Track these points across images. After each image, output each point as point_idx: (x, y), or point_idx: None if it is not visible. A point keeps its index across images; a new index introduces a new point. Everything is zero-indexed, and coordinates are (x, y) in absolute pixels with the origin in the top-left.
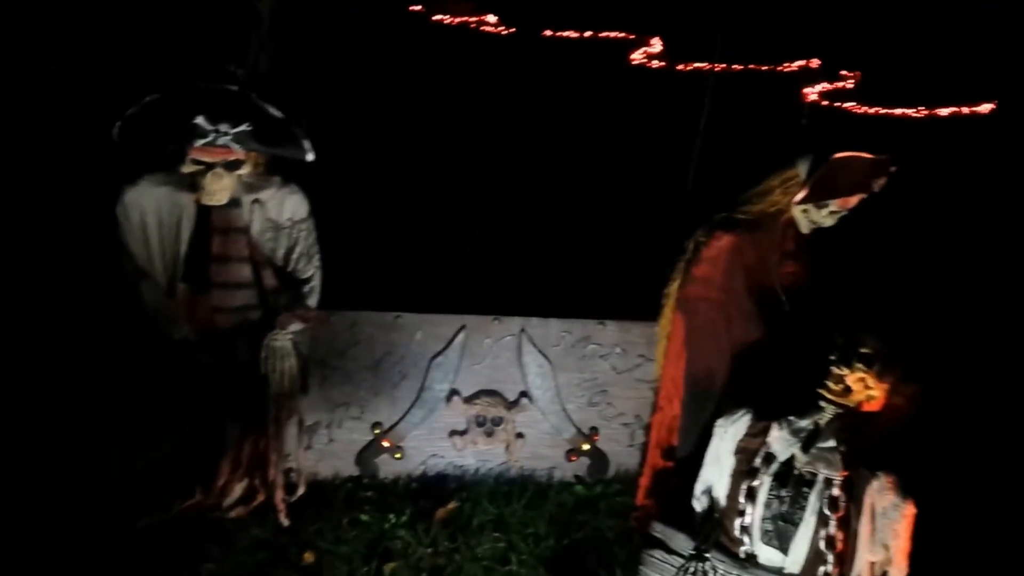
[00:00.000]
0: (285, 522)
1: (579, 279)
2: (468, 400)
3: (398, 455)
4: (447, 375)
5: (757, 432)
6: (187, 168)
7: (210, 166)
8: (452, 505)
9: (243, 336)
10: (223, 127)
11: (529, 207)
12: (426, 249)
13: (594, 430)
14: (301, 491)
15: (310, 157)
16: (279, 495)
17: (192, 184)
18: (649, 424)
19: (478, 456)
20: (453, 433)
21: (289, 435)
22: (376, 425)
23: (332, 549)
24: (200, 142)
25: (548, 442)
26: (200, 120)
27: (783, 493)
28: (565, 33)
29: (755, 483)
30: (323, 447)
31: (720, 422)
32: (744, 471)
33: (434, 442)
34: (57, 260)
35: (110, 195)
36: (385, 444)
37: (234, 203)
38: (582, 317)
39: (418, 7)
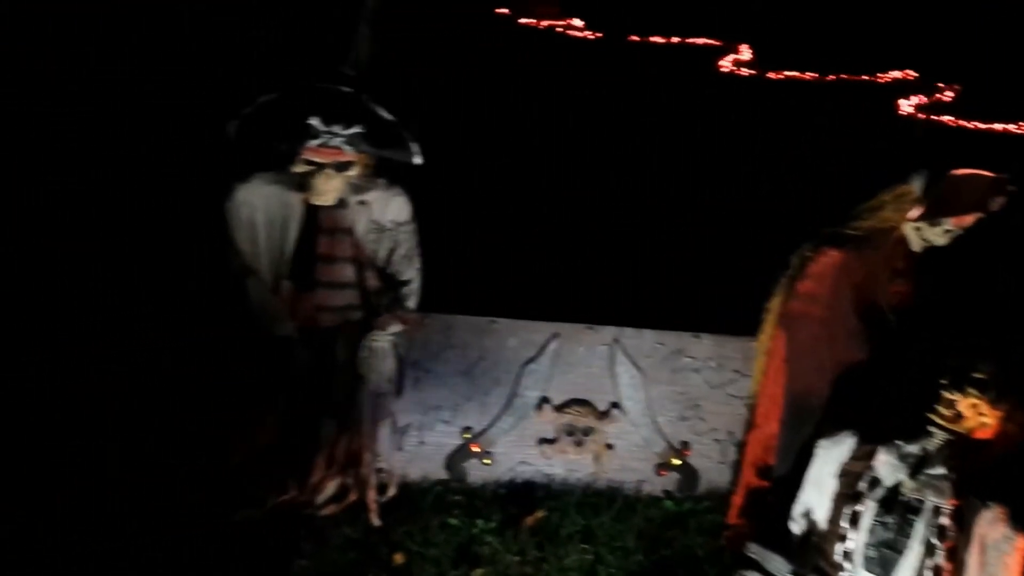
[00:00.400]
0: (376, 522)
1: (674, 290)
2: (559, 408)
3: (487, 460)
4: (539, 382)
5: (862, 455)
6: (298, 168)
7: (321, 167)
8: (540, 514)
9: (343, 335)
10: (336, 128)
11: (622, 215)
12: (521, 254)
13: (685, 445)
14: (392, 492)
15: (418, 161)
16: (371, 495)
17: (300, 184)
18: (743, 441)
19: (567, 465)
20: (542, 441)
21: (382, 436)
22: (466, 429)
23: (421, 551)
24: (313, 143)
25: (638, 455)
26: (314, 121)
27: (888, 520)
28: (652, 39)
29: (859, 508)
30: (413, 449)
31: (822, 443)
32: (847, 495)
33: (523, 449)
34: (163, 253)
35: (220, 191)
36: (475, 449)
37: (341, 204)
38: (676, 329)
39: (504, 10)
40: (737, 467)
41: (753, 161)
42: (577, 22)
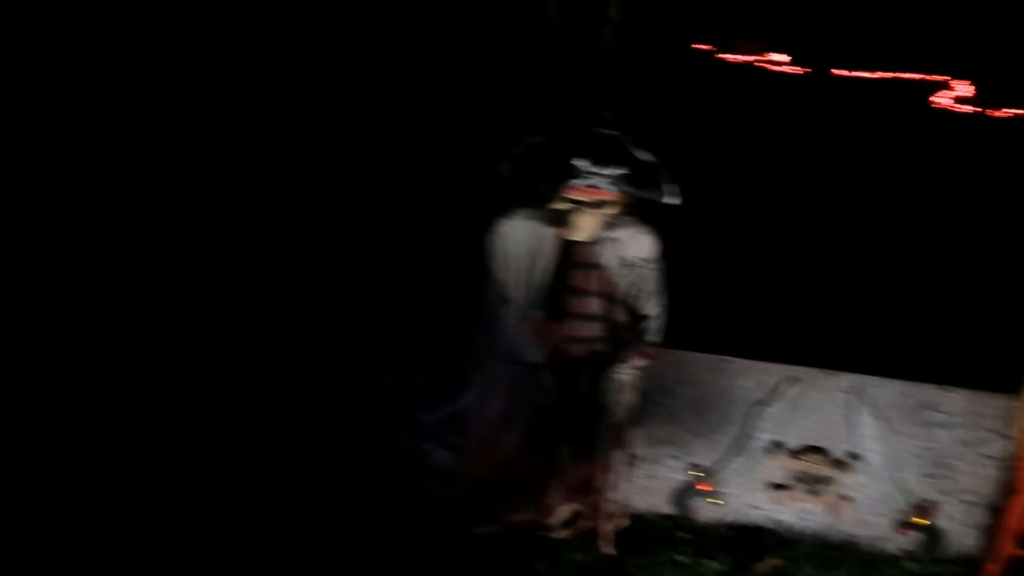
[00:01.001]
0: (610, 551)
1: (922, 338)
2: (793, 454)
3: (715, 500)
4: (772, 425)
5: None
6: (558, 205)
7: (581, 205)
8: (776, 562)
9: (589, 366)
10: (600, 169)
11: (855, 257)
12: (757, 294)
13: (930, 504)
14: (623, 522)
15: (676, 201)
16: (604, 523)
17: (556, 219)
18: (1000, 507)
19: (799, 513)
20: (774, 486)
21: (617, 466)
22: (694, 466)
23: None
24: (578, 182)
25: (877, 509)
26: (580, 162)
27: None
28: (859, 73)
29: None
30: (642, 482)
31: None
32: None
33: (753, 492)
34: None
35: (484, 226)
36: (702, 487)
37: (594, 240)
38: (922, 380)
39: (705, 45)
40: (992, 534)
41: (989, 201)
42: (779, 56)
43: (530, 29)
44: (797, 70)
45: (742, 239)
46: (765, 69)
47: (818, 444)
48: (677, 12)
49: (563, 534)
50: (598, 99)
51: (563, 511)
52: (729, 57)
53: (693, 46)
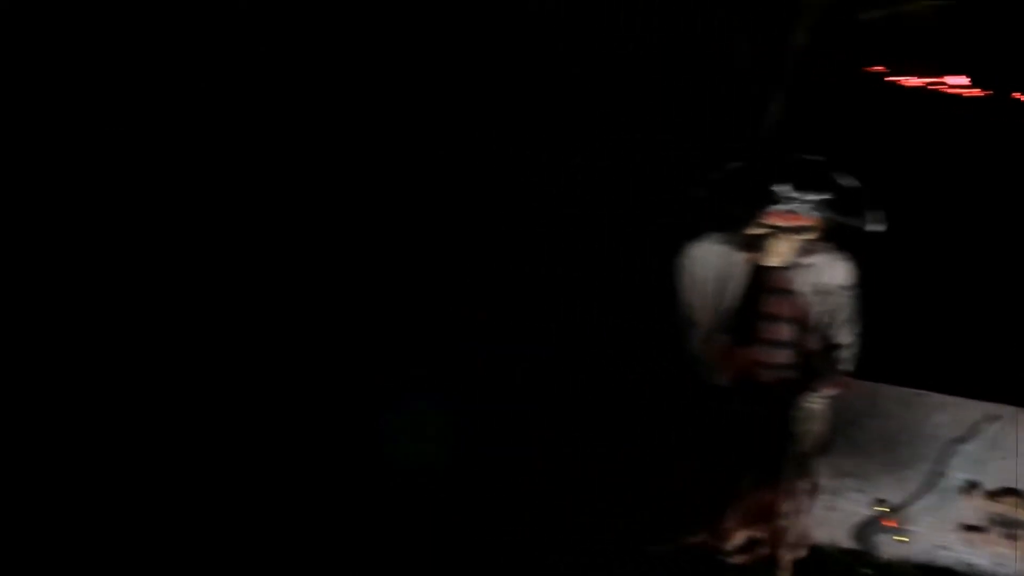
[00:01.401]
0: None
1: None
2: (990, 496)
3: (902, 538)
4: (968, 465)
5: None
6: (754, 230)
7: (779, 230)
8: None
9: (777, 393)
10: (802, 195)
11: None
12: (956, 326)
13: None
14: (802, 553)
15: (882, 228)
16: (783, 552)
17: (748, 244)
18: None
19: (994, 559)
20: (967, 528)
21: (800, 495)
22: (880, 502)
23: None
24: (777, 207)
25: None
26: (780, 187)
27: None
28: None
29: None
30: (822, 513)
31: None
32: None
33: (944, 533)
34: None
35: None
36: (888, 523)
37: (788, 266)
38: None
39: (877, 67)
40: None
41: None
42: (955, 79)
43: (718, 52)
44: (976, 92)
45: (939, 268)
46: (940, 92)
47: (1017, 487)
48: (849, 34)
49: (739, 560)
50: (783, 124)
51: (740, 536)
52: (902, 80)
53: (865, 69)
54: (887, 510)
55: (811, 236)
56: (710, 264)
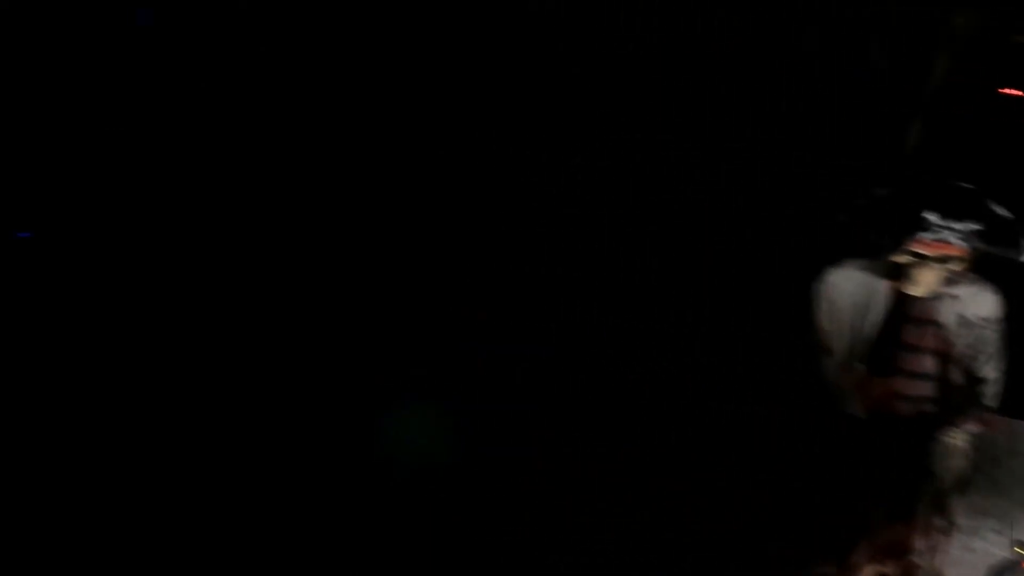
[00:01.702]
0: None
1: None
2: None
3: None
4: None
5: None
6: (898, 258)
7: (925, 259)
8: None
9: (915, 426)
10: (953, 224)
11: None
12: None
13: None
14: None
15: None
16: None
17: (890, 272)
18: None
19: None
20: None
21: (935, 533)
22: (1020, 544)
23: None
24: (925, 235)
25: None
26: (930, 215)
27: None
28: None
29: None
30: (958, 553)
31: None
32: None
33: None
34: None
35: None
36: None
37: (932, 296)
38: None
39: (1013, 90)
40: None
41: None
42: None
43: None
44: None
45: None
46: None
47: None
48: (984, 55)
49: None
50: (923, 148)
51: (868, 571)
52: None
53: (1000, 91)
54: None
55: (958, 266)
56: (848, 291)
